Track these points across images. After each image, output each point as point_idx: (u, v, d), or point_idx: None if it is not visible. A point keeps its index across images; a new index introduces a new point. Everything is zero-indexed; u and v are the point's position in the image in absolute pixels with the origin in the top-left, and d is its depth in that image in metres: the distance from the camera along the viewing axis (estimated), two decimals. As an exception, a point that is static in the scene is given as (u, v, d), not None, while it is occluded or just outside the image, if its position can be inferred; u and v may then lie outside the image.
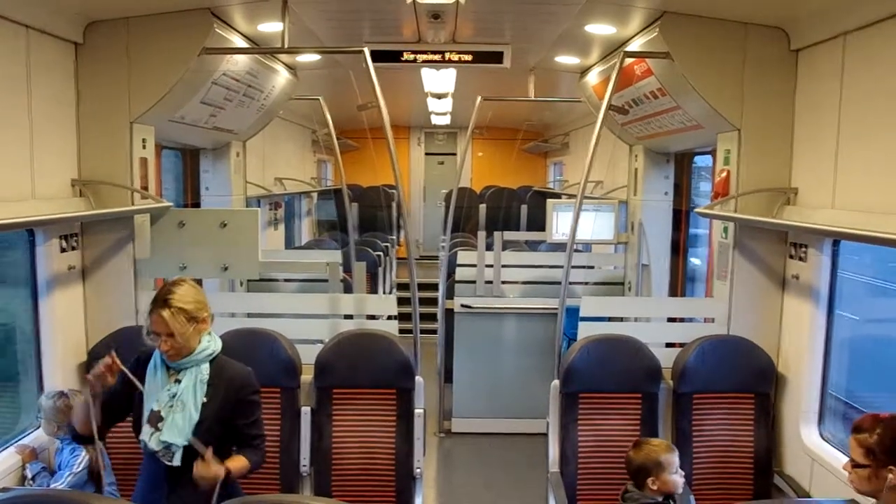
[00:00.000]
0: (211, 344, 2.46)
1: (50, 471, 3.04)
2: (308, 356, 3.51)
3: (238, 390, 2.44)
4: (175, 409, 2.35)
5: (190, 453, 2.33)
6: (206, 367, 2.43)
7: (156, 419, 2.35)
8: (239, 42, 3.94)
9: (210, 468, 2.28)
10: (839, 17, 2.93)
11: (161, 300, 2.37)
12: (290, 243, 8.50)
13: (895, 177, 2.62)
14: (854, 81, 2.90)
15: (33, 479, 2.97)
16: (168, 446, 2.34)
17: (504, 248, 6.02)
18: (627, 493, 2.81)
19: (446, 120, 10.89)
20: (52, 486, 2.89)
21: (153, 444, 2.35)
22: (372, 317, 3.91)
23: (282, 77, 4.99)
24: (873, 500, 2.24)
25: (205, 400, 2.39)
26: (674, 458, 2.76)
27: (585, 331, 3.62)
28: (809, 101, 3.29)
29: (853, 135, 2.92)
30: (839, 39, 2.96)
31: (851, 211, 2.86)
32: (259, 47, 4.30)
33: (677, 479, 2.74)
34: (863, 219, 2.70)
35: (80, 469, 2.95)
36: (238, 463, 2.41)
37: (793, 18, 3.27)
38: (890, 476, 2.13)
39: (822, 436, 3.24)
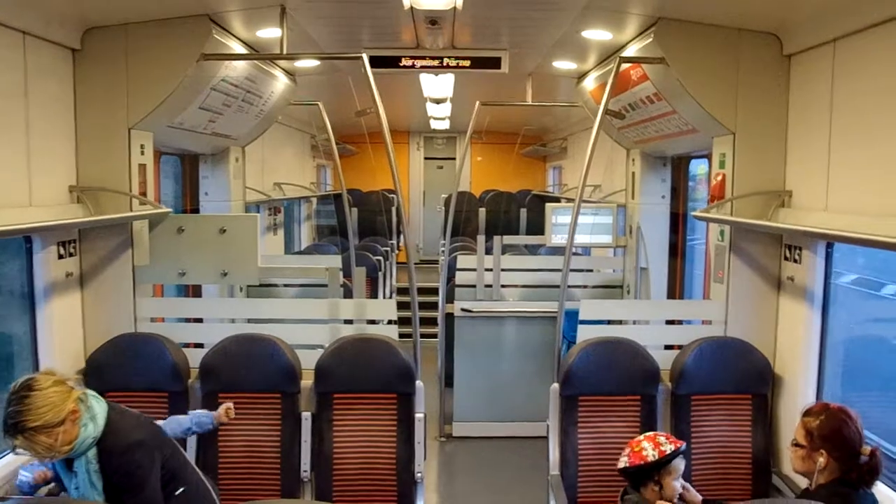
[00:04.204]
0: (90, 426, 2.25)
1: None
2: (308, 361, 3.51)
3: (111, 477, 2.25)
4: None
5: None
6: (92, 454, 2.27)
7: None
8: (237, 48, 3.96)
9: None
10: (830, 24, 2.95)
11: (11, 427, 2.16)
12: (289, 248, 8.51)
13: (886, 179, 2.65)
14: (845, 86, 2.93)
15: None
16: None
17: (503, 252, 6.03)
18: (627, 494, 2.81)
19: (445, 124, 10.92)
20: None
21: None
22: (372, 321, 3.92)
23: (280, 83, 5.02)
24: None
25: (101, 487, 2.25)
26: (681, 465, 2.75)
27: (584, 334, 3.63)
28: (802, 105, 3.32)
29: (845, 138, 2.95)
30: (830, 45, 2.99)
31: (844, 213, 2.88)
32: (258, 53, 4.31)
33: (677, 486, 2.73)
34: (855, 221, 2.72)
35: None
36: None
37: (785, 25, 3.30)
38: (821, 459, 2.37)
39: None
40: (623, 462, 2.76)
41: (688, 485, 2.80)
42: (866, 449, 2.37)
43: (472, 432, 5.64)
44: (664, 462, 2.68)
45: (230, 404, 3.02)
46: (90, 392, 2.36)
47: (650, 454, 2.69)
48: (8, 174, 2.94)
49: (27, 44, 3.00)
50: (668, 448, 2.70)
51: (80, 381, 2.32)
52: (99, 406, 2.32)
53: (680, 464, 2.73)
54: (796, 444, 2.46)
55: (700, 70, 3.47)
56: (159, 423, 2.99)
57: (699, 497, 2.83)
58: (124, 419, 2.38)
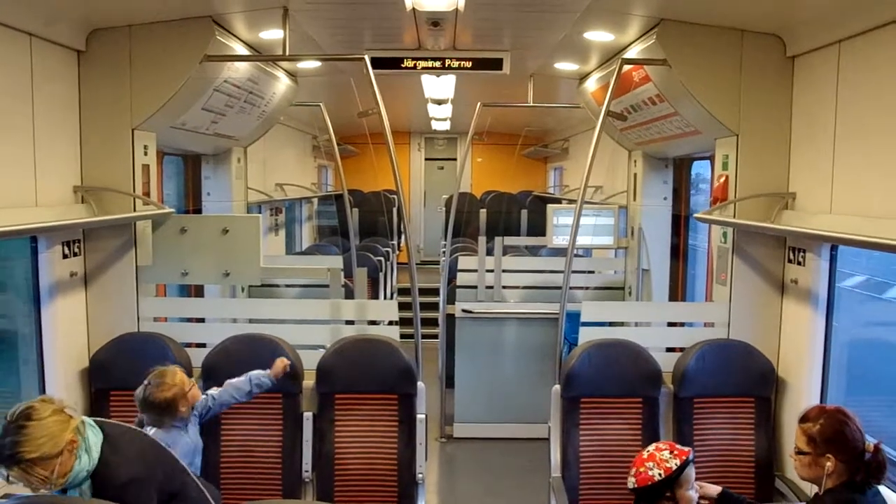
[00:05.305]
0: (84, 458, 2.15)
1: None
2: (310, 362, 3.52)
3: None
4: None
5: None
6: (87, 486, 2.17)
7: None
8: (240, 49, 3.96)
9: None
10: (834, 26, 2.96)
11: (7, 458, 2.05)
12: (290, 249, 8.51)
13: (891, 181, 2.65)
14: (849, 87, 2.93)
15: None
16: None
17: (504, 253, 6.03)
18: None
19: (446, 125, 10.92)
20: None
21: None
22: (373, 322, 3.92)
23: (283, 84, 5.02)
24: None
25: None
26: (691, 473, 2.66)
27: (586, 335, 3.63)
28: (806, 107, 3.32)
29: (849, 140, 2.94)
30: (834, 47, 2.99)
31: (849, 215, 2.88)
32: (260, 55, 4.32)
33: (691, 494, 2.63)
34: (860, 223, 2.72)
35: None
36: None
37: (788, 26, 3.30)
38: (828, 464, 2.30)
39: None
40: (631, 483, 2.68)
41: (703, 483, 2.74)
42: (869, 445, 2.33)
43: (473, 433, 5.64)
44: (673, 478, 2.60)
45: (285, 359, 3.24)
46: (88, 420, 2.27)
47: (655, 473, 2.60)
48: (14, 174, 2.96)
49: (33, 45, 3.02)
50: (674, 463, 2.60)
51: (76, 408, 2.23)
52: (94, 437, 2.21)
53: (691, 472, 2.63)
54: (800, 452, 2.40)
55: (703, 72, 3.47)
56: (213, 392, 3.01)
57: (717, 487, 2.74)
58: (118, 452, 2.24)
